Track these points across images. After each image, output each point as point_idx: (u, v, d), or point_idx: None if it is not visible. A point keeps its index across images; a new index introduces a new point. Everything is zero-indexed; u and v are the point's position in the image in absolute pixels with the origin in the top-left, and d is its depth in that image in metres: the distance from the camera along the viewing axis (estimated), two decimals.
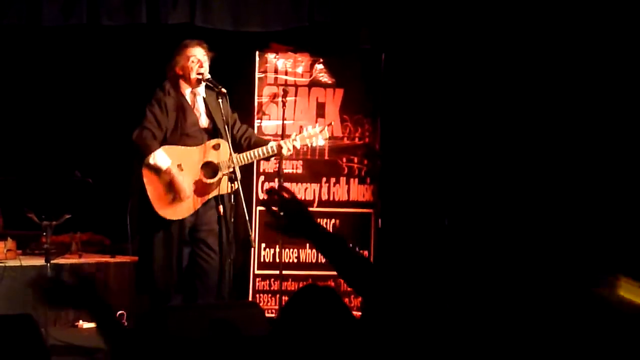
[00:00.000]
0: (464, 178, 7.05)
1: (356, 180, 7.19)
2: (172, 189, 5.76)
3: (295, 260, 7.05)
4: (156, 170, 5.76)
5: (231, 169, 5.76)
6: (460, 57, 7.08)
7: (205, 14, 6.71)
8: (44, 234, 6.41)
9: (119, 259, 7.25)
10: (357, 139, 7.19)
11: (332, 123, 6.75)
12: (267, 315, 5.98)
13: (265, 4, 6.89)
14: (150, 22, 6.63)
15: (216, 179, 5.82)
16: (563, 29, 6.60)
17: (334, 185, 7.16)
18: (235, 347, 3.40)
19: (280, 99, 6.79)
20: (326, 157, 7.13)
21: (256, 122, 6.97)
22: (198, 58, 5.83)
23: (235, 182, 5.76)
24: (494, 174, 6.88)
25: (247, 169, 6.33)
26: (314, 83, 7.13)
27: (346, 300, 6.42)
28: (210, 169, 5.84)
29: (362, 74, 7.21)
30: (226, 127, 5.81)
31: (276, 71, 7.09)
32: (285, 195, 2.67)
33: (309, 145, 6.15)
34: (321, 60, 7.15)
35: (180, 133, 5.84)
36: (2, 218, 7.45)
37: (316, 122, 6.92)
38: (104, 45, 7.98)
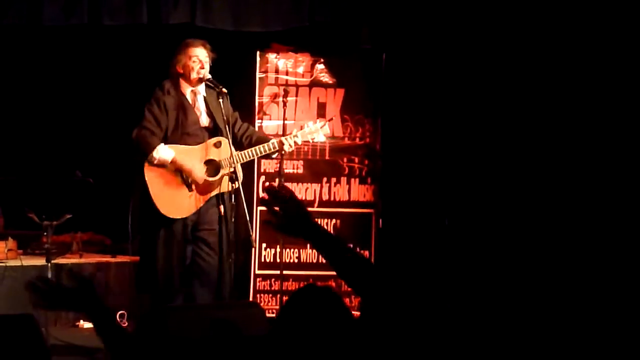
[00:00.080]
0: (464, 178, 7.05)
1: (357, 180, 7.19)
2: (181, 179, 5.76)
3: (296, 261, 7.05)
4: (161, 165, 5.77)
5: (232, 168, 5.77)
6: (461, 57, 7.08)
7: (205, 14, 6.71)
8: (45, 233, 6.41)
9: (120, 258, 7.26)
10: (357, 139, 7.19)
11: (333, 118, 6.77)
12: (267, 315, 5.98)
13: (265, 4, 6.89)
14: (151, 22, 6.63)
15: (218, 176, 5.83)
16: (563, 29, 6.60)
17: (335, 186, 7.16)
18: (236, 347, 3.40)
19: (281, 99, 6.80)
20: (327, 157, 7.13)
21: (257, 122, 6.97)
22: (200, 58, 5.84)
23: (236, 182, 5.76)
24: (494, 174, 6.88)
25: (247, 169, 6.33)
26: (315, 83, 7.13)
27: (346, 300, 6.42)
28: (212, 167, 5.85)
29: (363, 74, 7.21)
30: (227, 125, 5.82)
31: (277, 71, 7.09)
32: (284, 194, 2.67)
33: (310, 141, 6.16)
34: (322, 60, 7.14)
35: (181, 132, 5.85)
36: (2, 218, 7.45)
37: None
38: (105, 45, 7.98)
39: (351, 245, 2.73)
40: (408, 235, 7.18)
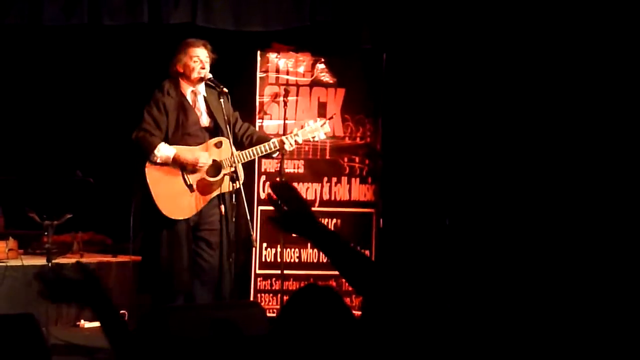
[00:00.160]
0: (465, 178, 7.05)
1: (357, 180, 7.19)
2: (182, 180, 5.75)
3: (297, 260, 7.05)
4: (163, 164, 5.76)
5: (233, 168, 5.76)
6: (461, 57, 7.08)
7: (206, 13, 6.71)
8: (46, 233, 6.42)
9: (121, 258, 7.25)
10: (358, 139, 7.19)
11: (333, 116, 6.77)
12: (268, 315, 5.98)
13: (266, 3, 6.89)
14: (151, 21, 6.63)
15: (219, 177, 5.82)
16: (564, 29, 6.59)
17: (336, 185, 7.16)
18: (237, 347, 3.40)
19: (281, 98, 6.80)
20: (327, 157, 7.14)
21: (257, 122, 6.98)
22: (201, 58, 5.84)
23: (237, 182, 5.76)
24: (495, 174, 6.88)
25: (248, 169, 6.33)
26: (316, 83, 7.14)
27: (347, 300, 6.43)
28: (213, 167, 5.84)
29: (364, 73, 7.21)
30: (227, 125, 5.81)
31: (278, 71, 7.09)
32: (289, 191, 2.66)
33: (311, 139, 6.15)
34: (322, 60, 7.15)
35: (182, 133, 5.84)
36: (3, 218, 7.45)
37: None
38: (105, 44, 7.98)
39: (352, 245, 2.71)
40: (409, 235, 7.18)
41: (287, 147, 5.95)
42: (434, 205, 7.13)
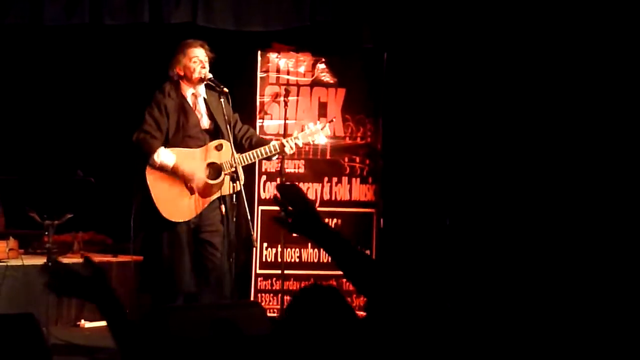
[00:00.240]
0: (465, 178, 7.05)
1: (358, 180, 7.19)
2: (183, 182, 5.75)
3: (297, 260, 7.05)
4: (162, 170, 5.75)
5: (233, 168, 5.76)
6: (462, 57, 7.08)
7: (207, 13, 6.71)
8: (46, 233, 6.41)
9: (121, 258, 7.25)
10: (359, 139, 7.19)
11: (334, 119, 6.76)
12: (268, 314, 5.98)
13: (267, 3, 6.89)
14: (152, 21, 6.63)
15: (219, 179, 5.81)
16: (563, 29, 6.59)
17: (336, 185, 7.16)
18: (237, 347, 3.40)
19: (282, 98, 6.80)
20: (328, 157, 7.14)
21: (258, 122, 6.98)
22: (200, 58, 5.83)
23: (238, 182, 5.76)
24: (495, 174, 6.88)
25: (249, 169, 6.32)
26: (316, 82, 7.14)
27: (348, 300, 6.42)
28: (214, 169, 5.83)
29: (364, 73, 7.21)
30: (228, 125, 5.80)
31: (278, 71, 7.09)
32: (295, 193, 2.66)
33: (311, 142, 6.14)
34: (323, 59, 7.15)
35: (183, 135, 5.83)
36: (4, 217, 7.45)
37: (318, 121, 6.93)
38: (106, 44, 7.98)
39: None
40: (409, 235, 7.18)
41: (287, 150, 5.94)
42: (434, 205, 7.14)
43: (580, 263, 6.12)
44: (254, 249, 6.64)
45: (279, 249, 6.93)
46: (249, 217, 5.87)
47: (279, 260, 6.89)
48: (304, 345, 2.43)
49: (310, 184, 7.10)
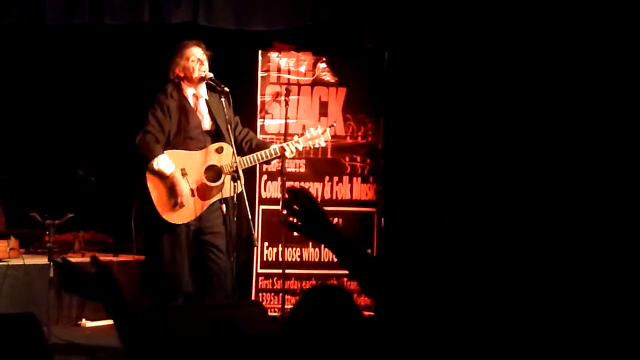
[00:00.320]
0: (466, 177, 7.05)
1: (359, 179, 7.19)
2: (173, 194, 5.74)
3: (298, 259, 7.05)
4: (160, 175, 5.75)
5: (234, 169, 5.75)
6: (463, 56, 7.07)
7: (208, 13, 6.70)
8: (47, 232, 6.40)
9: (122, 257, 7.25)
10: (360, 138, 7.19)
11: (334, 124, 6.73)
12: (269, 314, 5.98)
13: (268, 3, 6.89)
14: (153, 21, 6.62)
15: (220, 182, 5.80)
16: (564, 29, 6.59)
17: (337, 184, 7.16)
18: (238, 346, 3.40)
19: (283, 97, 6.80)
20: (329, 156, 7.14)
21: (259, 121, 6.98)
22: (197, 57, 5.81)
23: (238, 183, 5.75)
24: (496, 173, 6.87)
25: (249, 168, 6.32)
26: (317, 82, 7.14)
27: None
28: (214, 172, 5.82)
29: (365, 73, 7.21)
30: (229, 126, 5.80)
31: (279, 70, 7.09)
32: (305, 198, 2.66)
33: (312, 146, 6.15)
34: (324, 59, 7.15)
35: (184, 136, 5.82)
36: (4, 217, 7.45)
37: (319, 121, 6.93)
38: (107, 44, 7.98)
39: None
40: (410, 234, 7.18)
41: (287, 154, 5.94)
42: (435, 204, 7.13)
43: (580, 263, 6.12)
44: (255, 248, 6.64)
45: (280, 249, 6.93)
46: (249, 217, 5.86)
47: (280, 259, 6.89)
48: (311, 345, 2.44)
49: (311, 183, 7.10)
